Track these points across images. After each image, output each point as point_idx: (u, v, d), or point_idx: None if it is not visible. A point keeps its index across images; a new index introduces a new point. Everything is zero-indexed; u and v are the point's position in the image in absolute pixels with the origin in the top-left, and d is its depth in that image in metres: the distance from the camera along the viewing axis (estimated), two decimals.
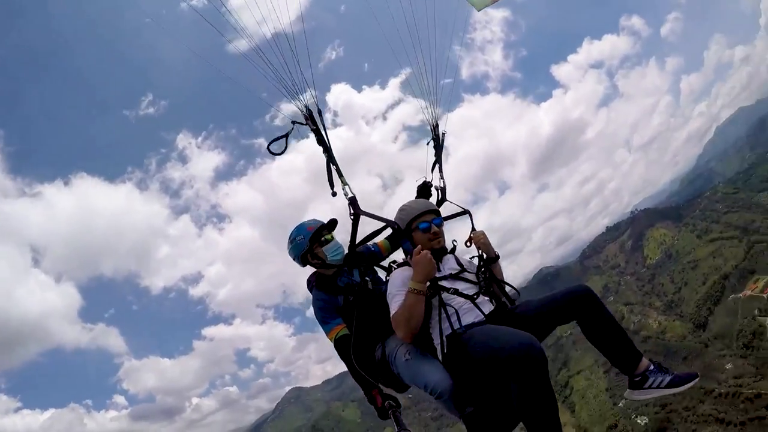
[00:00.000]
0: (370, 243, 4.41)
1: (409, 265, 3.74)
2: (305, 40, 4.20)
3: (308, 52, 4.18)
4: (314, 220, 4.21)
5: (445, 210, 4.48)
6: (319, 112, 4.23)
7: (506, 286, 3.97)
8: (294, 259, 4.20)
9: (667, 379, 3.39)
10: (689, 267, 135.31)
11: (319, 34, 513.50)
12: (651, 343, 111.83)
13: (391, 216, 4.13)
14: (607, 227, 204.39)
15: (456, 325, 3.49)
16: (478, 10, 5.41)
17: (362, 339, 3.87)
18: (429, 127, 4.86)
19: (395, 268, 3.95)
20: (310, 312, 4.16)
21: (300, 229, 4.14)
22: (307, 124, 4.20)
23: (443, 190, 4.63)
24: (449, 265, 3.92)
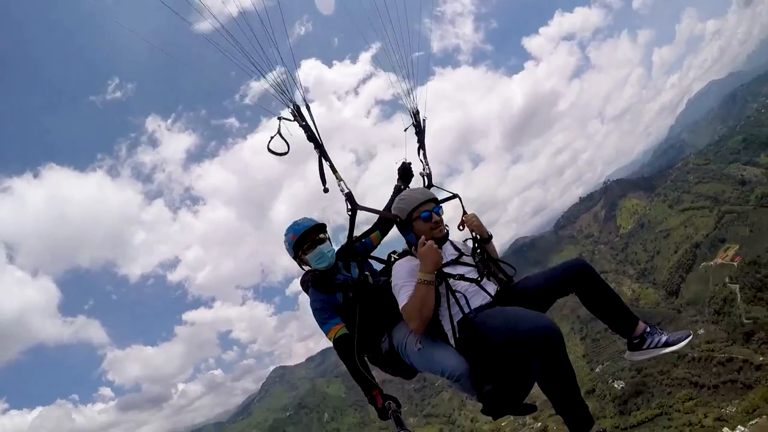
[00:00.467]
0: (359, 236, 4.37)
1: (411, 255, 3.80)
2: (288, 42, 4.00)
3: (292, 55, 3.97)
4: (301, 223, 4.01)
5: None
6: (308, 107, 4.03)
7: (502, 264, 4.01)
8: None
9: (664, 338, 3.54)
10: (661, 236, 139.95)
11: (287, 10, 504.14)
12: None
13: (380, 202, 4.18)
14: (580, 198, 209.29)
15: (466, 309, 3.53)
16: None
17: (367, 334, 3.85)
18: (409, 113, 4.75)
19: (396, 259, 3.93)
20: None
21: (286, 235, 4.02)
22: (295, 120, 3.98)
23: (429, 176, 4.59)
24: (448, 252, 3.91)
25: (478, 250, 4.00)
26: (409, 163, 4.66)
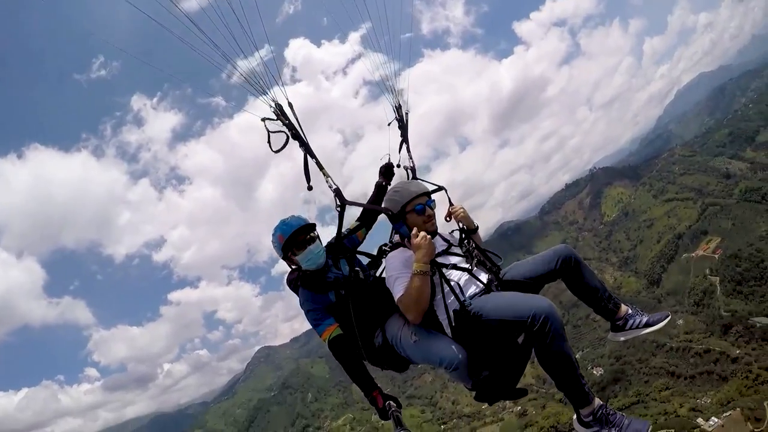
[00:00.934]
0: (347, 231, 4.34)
1: (404, 246, 3.79)
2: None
3: (273, 56, 3.86)
4: (290, 223, 3.90)
5: None
6: (290, 105, 3.95)
7: (491, 254, 4.08)
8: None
9: (644, 319, 3.81)
10: (645, 225, 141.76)
11: None
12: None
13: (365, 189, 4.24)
14: (566, 184, 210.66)
15: (461, 298, 3.57)
16: None
17: (361, 330, 3.83)
18: (392, 108, 4.74)
19: (388, 251, 3.90)
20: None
21: (275, 233, 3.91)
22: (278, 119, 3.91)
23: (413, 169, 4.61)
24: (438, 243, 3.91)
25: (466, 241, 4.05)
26: (392, 164, 4.65)
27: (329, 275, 3.96)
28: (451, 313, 3.55)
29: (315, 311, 3.86)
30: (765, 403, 68.28)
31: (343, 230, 4.13)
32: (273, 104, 3.91)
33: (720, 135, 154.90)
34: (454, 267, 3.74)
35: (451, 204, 4.21)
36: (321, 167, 3.95)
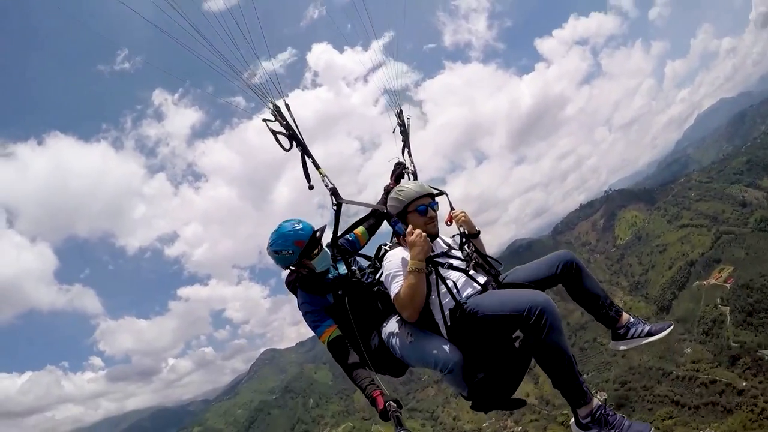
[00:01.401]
0: (347, 234, 4.39)
1: (403, 247, 3.81)
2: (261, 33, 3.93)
3: (269, 54, 4.02)
4: (301, 229, 3.85)
5: None
6: (287, 106, 4.05)
7: (490, 259, 4.04)
8: (276, 263, 3.95)
9: (647, 328, 3.70)
10: (657, 250, 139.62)
11: None
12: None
13: (373, 194, 4.13)
14: (581, 204, 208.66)
15: (458, 297, 3.54)
16: None
17: (361, 331, 3.83)
18: (394, 113, 4.86)
19: (387, 250, 3.93)
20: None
21: (286, 241, 3.81)
22: (276, 120, 4.02)
23: (414, 174, 4.67)
24: (438, 246, 3.96)
25: (466, 245, 4.06)
26: (404, 164, 4.74)
27: (328, 277, 4.00)
28: (447, 313, 3.53)
29: (314, 313, 3.88)
30: None
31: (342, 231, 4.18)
32: (271, 106, 4.04)
33: (738, 162, 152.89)
34: (451, 267, 3.72)
35: (452, 208, 4.22)
36: (317, 167, 4.02)
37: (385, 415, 3.38)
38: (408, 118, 4.87)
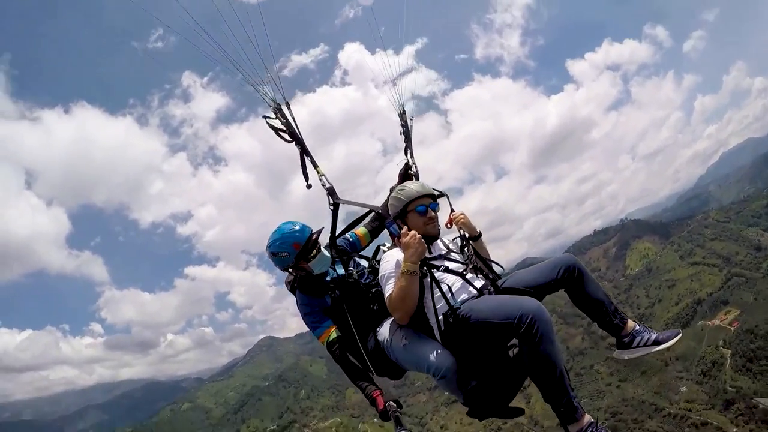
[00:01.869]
0: (348, 234, 4.36)
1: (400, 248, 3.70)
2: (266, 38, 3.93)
3: (271, 54, 3.98)
4: (298, 232, 3.87)
5: None
6: (287, 105, 4.06)
7: (491, 262, 3.97)
8: (274, 264, 3.99)
9: (653, 336, 3.51)
10: (666, 285, 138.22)
11: None
12: (615, 351, 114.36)
13: (378, 197, 4.07)
14: (595, 230, 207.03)
15: (452, 302, 3.45)
16: None
17: (359, 332, 3.81)
18: (397, 114, 4.83)
19: (385, 251, 3.88)
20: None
21: (284, 243, 3.83)
22: (277, 118, 4.02)
23: (416, 176, 4.58)
24: (437, 248, 3.90)
25: (466, 248, 4.01)
26: (411, 165, 4.69)
27: (327, 278, 4.00)
28: (441, 317, 3.45)
29: (312, 314, 3.89)
30: None
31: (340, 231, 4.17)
32: (272, 102, 4.04)
33: (757, 205, 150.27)
34: (447, 270, 3.64)
35: (452, 210, 4.15)
36: (315, 166, 4.01)
37: (385, 415, 3.43)
38: (411, 119, 4.85)
